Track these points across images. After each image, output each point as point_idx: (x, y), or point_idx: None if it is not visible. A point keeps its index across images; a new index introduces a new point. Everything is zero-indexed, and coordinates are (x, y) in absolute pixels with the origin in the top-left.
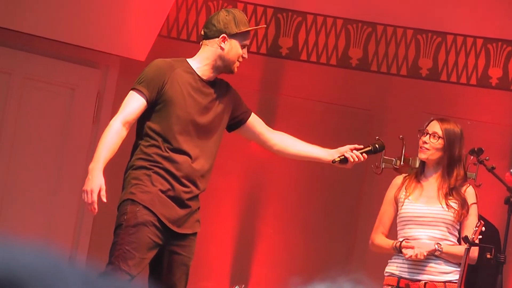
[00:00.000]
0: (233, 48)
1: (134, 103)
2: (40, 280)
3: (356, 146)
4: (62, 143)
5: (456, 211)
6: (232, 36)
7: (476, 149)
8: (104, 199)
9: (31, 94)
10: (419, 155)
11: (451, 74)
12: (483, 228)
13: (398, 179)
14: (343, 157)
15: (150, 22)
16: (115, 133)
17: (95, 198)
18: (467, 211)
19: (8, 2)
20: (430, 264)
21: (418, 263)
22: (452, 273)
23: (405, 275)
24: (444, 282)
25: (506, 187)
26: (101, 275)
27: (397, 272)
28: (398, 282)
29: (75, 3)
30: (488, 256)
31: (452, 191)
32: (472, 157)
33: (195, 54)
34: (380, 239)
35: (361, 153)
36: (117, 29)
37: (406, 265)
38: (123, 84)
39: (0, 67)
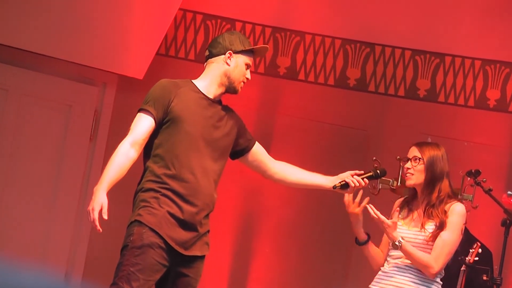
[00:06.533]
0: (238, 65)
1: (142, 124)
2: None
3: (357, 171)
4: (59, 160)
5: (430, 233)
6: (237, 52)
7: (473, 170)
8: (105, 216)
9: (28, 111)
10: (406, 183)
11: (449, 95)
12: (480, 250)
13: (398, 202)
14: (344, 182)
15: (148, 40)
16: (122, 154)
17: (96, 216)
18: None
19: (6, 19)
20: (404, 282)
21: (393, 280)
22: None
23: None
24: None
25: (503, 209)
26: None
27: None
28: None
29: (73, 20)
30: (485, 278)
31: (433, 208)
32: (469, 178)
33: (192, 73)
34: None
35: (362, 179)
36: (115, 46)
37: (380, 280)
38: (120, 101)
39: None
